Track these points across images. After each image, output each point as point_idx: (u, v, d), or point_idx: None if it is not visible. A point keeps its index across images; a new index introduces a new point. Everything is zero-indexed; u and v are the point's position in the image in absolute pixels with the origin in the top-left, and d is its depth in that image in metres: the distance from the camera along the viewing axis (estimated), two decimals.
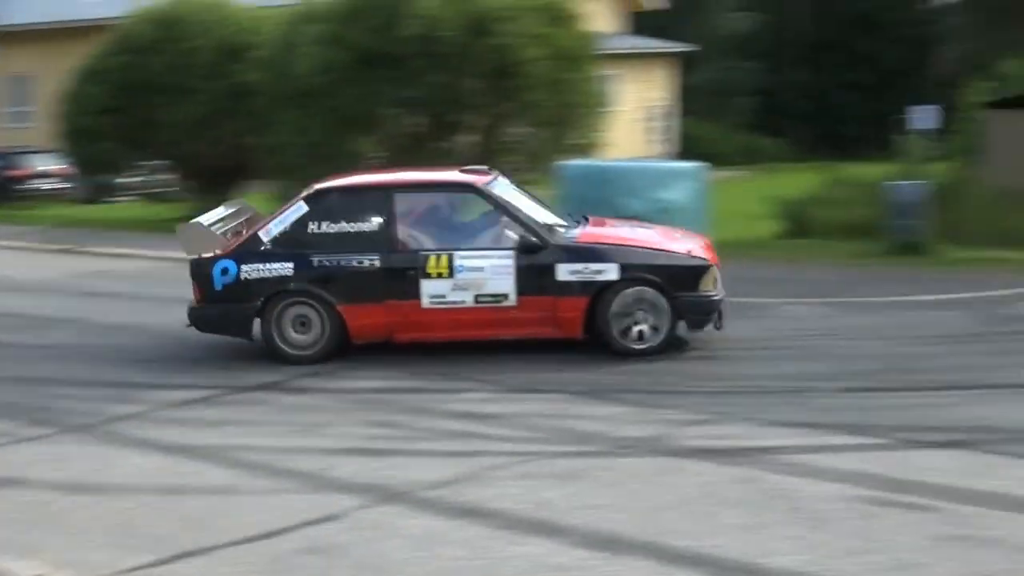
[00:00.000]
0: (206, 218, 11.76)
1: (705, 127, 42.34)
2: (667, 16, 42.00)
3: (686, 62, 41.42)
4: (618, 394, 9.66)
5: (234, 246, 11.28)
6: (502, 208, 11.24)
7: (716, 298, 11.16)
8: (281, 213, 11.37)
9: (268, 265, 11.12)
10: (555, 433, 8.62)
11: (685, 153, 34.19)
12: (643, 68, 37.85)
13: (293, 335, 11.17)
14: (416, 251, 11.01)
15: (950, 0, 52.61)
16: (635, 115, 36.93)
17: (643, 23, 40.77)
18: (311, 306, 11.11)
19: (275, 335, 11.15)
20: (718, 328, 11.32)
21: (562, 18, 21.47)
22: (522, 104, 21.04)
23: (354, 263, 11.04)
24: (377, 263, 11.03)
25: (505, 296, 10.94)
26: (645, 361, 10.74)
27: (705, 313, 11.12)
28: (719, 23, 49.27)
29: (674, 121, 39.80)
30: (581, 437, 8.46)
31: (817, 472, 7.53)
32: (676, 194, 13.49)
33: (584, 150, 21.05)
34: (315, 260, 11.08)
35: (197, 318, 11.37)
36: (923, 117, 20.81)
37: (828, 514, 6.80)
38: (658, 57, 39.21)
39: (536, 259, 10.94)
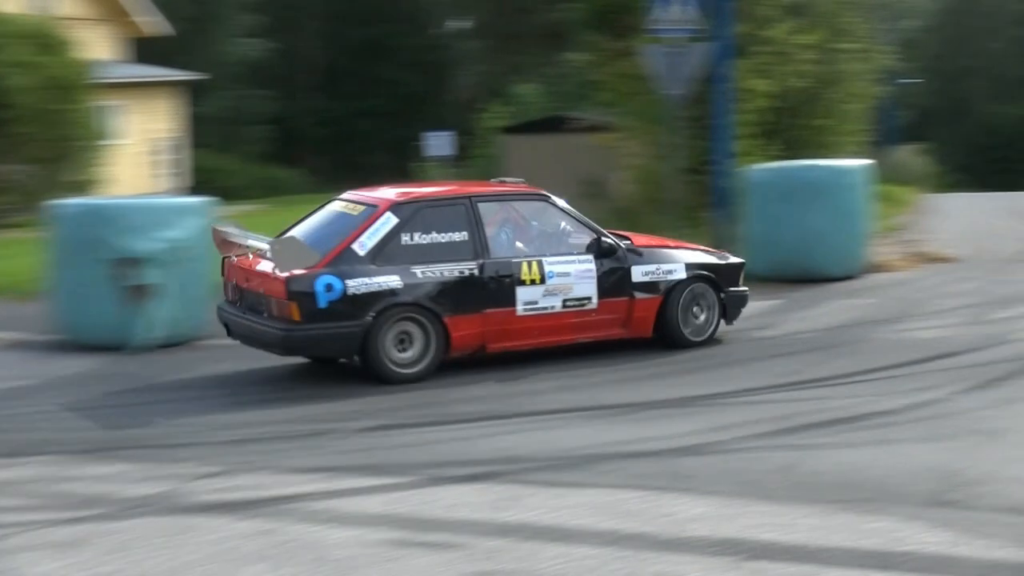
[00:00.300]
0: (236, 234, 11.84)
1: (218, 159, 42.10)
2: (172, 43, 41.48)
3: (195, 91, 41.01)
4: (124, 451, 9.31)
5: (326, 261, 11.02)
6: (572, 216, 12.23)
7: (748, 293, 13.06)
8: (367, 224, 11.30)
9: (374, 279, 11.09)
10: (53, 499, 8.20)
11: (198, 187, 33.77)
12: (148, 98, 37.18)
13: (396, 353, 11.20)
14: (509, 259, 11.65)
15: (463, 25, 54.58)
16: (141, 148, 36.20)
17: (146, 50, 40.07)
18: (415, 320, 11.25)
19: (382, 353, 11.09)
20: (731, 322, 12.92)
21: (53, 45, 20.84)
22: (12, 139, 20.21)
23: (456, 272, 11.41)
24: (477, 272, 11.49)
25: (588, 299, 11.98)
26: (153, 413, 10.46)
27: (741, 306, 12.98)
28: (228, 49, 49.13)
29: (184, 154, 39.29)
30: (83, 501, 8.08)
31: (341, 518, 7.50)
32: (182, 232, 13.16)
33: (84, 187, 20.44)
34: (418, 271, 11.28)
35: (295, 340, 10.95)
36: (438, 143, 21.45)
37: (354, 560, 6.76)
38: (164, 86, 38.62)
39: (611, 262, 12.09)
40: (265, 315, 11.12)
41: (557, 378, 11.39)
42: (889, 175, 34.24)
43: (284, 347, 11.09)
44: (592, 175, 24.86)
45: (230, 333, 11.84)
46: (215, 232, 12.07)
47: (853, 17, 23.46)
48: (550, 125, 29.61)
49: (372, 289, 11.03)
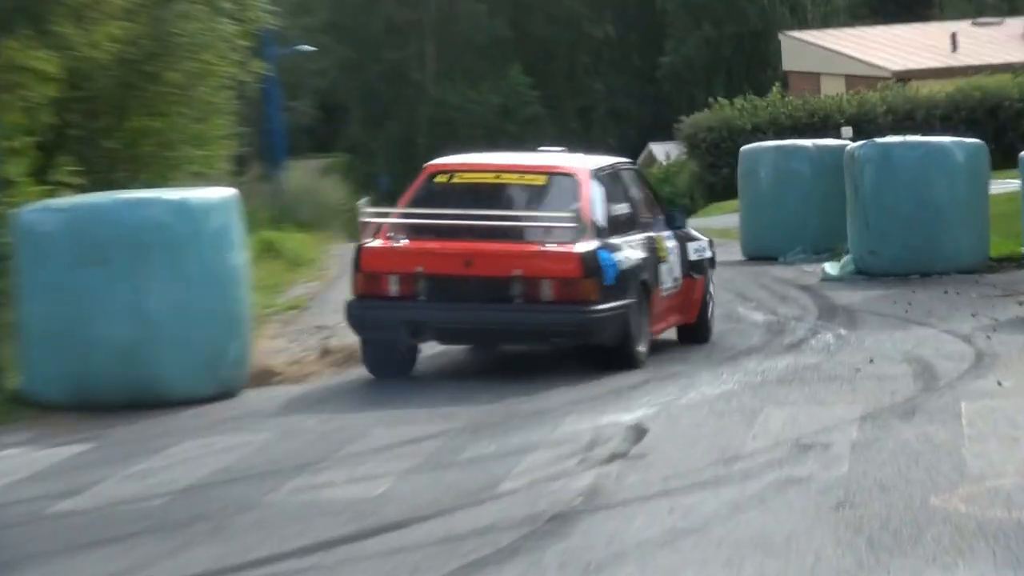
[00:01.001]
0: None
1: None
2: None
3: None
4: None
5: (587, 234, 15.08)
6: (648, 185, 17.33)
7: None
8: (586, 195, 15.42)
9: (626, 252, 15.34)
10: None
11: None
12: None
13: None
14: (652, 234, 16.23)
15: None
16: None
17: None
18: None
19: (637, 333, 15.27)
20: None
21: None
22: None
23: (649, 246, 15.92)
24: (645, 246, 15.83)
25: (678, 279, 16.60)
26: None
27: None
28: None
29: None
30: None
31: None
32: None
33: None
34: (630, 244, 15.53)
35: (593, 323, 14.92)
36: None
37: None
38: None
39: (680, 237, 16.93)
40: (520, 300, 14.94)
41: None
42: (282, 212, 33.99)
43: (581, 332, 15.04)
44: None
45: (417, 335, 15.38)
46: (361, 213, 15.87)
47: None
48: None
49: (631, 264, 15.35)
